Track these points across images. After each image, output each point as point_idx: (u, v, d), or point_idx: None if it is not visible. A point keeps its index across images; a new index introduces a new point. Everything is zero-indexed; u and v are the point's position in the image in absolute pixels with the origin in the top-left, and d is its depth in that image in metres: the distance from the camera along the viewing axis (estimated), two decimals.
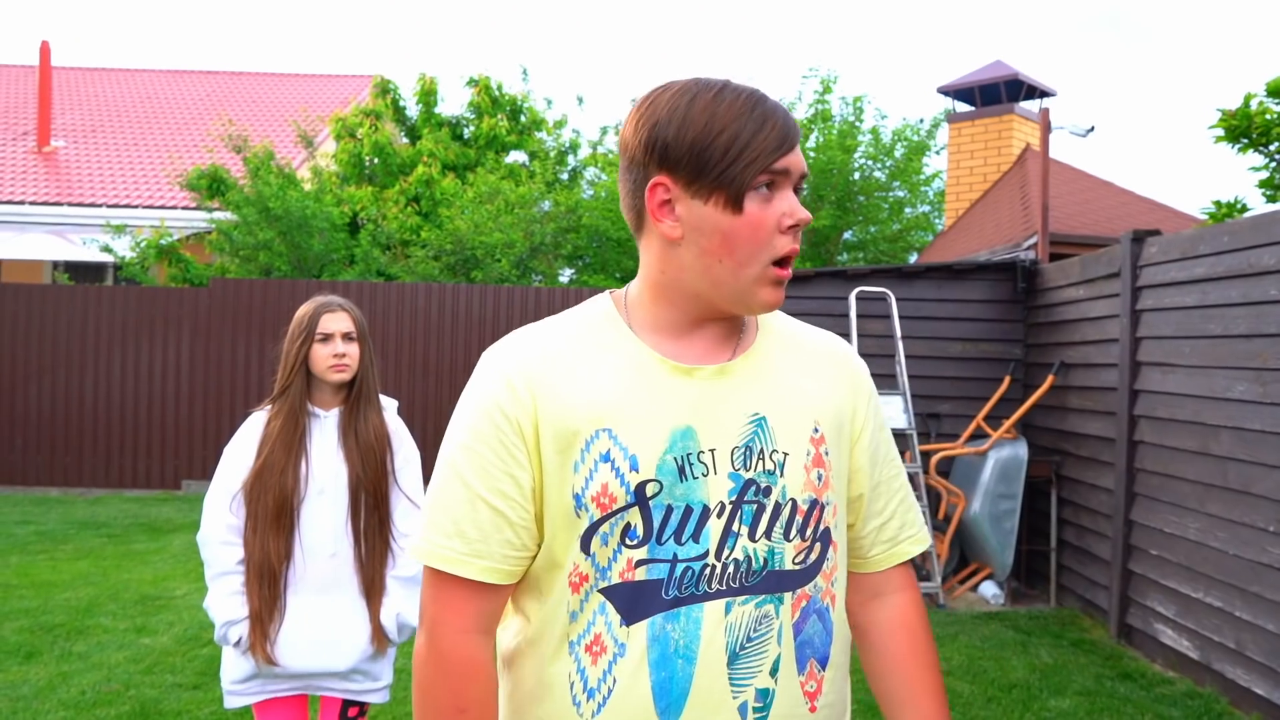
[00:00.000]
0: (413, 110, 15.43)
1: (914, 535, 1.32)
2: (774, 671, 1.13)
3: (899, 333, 6.28)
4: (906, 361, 6.31)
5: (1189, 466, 4.56)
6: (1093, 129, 7.02)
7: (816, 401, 1.22)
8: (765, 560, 1.13)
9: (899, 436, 6.16)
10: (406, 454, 2.53)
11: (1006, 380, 6.41)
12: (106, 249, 11.66)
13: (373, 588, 2.41)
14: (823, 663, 1.18)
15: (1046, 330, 6.26)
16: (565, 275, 12.95)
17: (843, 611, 1.23)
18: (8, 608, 5.44)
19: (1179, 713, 4.12)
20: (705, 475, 1.12)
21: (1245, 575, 4.09)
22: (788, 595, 1.14)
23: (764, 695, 1.13)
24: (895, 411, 6.16)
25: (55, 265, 14.30)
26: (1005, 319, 6.57)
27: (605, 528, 1.12)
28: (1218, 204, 5.44)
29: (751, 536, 1.13)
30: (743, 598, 1.12)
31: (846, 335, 6.37)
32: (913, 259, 13.25)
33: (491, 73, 15.71)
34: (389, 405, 2.56)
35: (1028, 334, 6.50)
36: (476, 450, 1.16)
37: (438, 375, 9.67)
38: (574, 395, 1.14)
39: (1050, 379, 5.96)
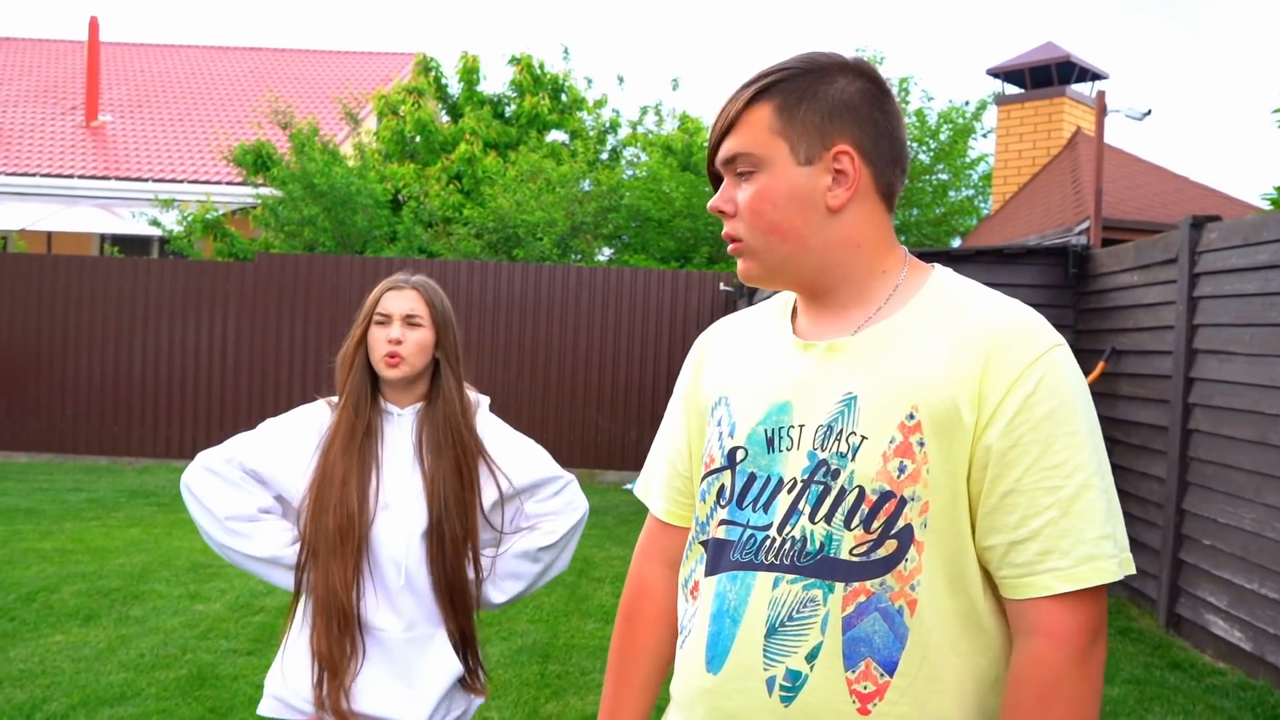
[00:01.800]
0: (454, 88, 15.46)
1: (1061, 569, 1.04)
2: (811, 657, 1.10)
3: None
4: None
5: (1246, 456, 4.49)
6: (1149, 112, 6.90)
7: (922, 383, 1.09)
8: (822, 544, 1.10)
9: None
10: (504, 460, 2.07)
11: None
12: (154, 222, 11.82)
13: (458, 620, 2.01)
14: (887, 668, 1.08)
15: (1098, 316, 6.18)
16: (604, 254, 12.95)
17: (934, 620, 1.08)
18: (65, 571, 5.57)
19: (1231, 704, 4.08)
20: (789, 450, 1.14)
21: None
22: (839, 585, 1.09)
23: (794, 677, 1.10)
24: None
25: (103, 238, 14.52)
26: (1055, 304, 6.49)
27: (705, 485, 1.24)
28: (1279, 189, 5.33)
29: (812, 518, 1.11)
30: (791, 576, 1.11)
31: None
32: (956, 243, 13.11)
33: (533, 51, 15.63)
34: (481, 402, 2.14)
35: (1078, 320, 6.42)
36: (668, 410, 1.40)
37: (479, 352, 9.73)
38: (719, 368, 1.29)
39: (1101, 365, 5.89)
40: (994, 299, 1.15)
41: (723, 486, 1.20)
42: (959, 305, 1.14)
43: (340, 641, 1.91)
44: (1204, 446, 4.86)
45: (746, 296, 8.55)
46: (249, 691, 3.85)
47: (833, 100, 1.14)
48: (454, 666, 1.99)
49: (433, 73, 15.28)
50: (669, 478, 1.37)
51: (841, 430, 1.11)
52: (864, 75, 1.17)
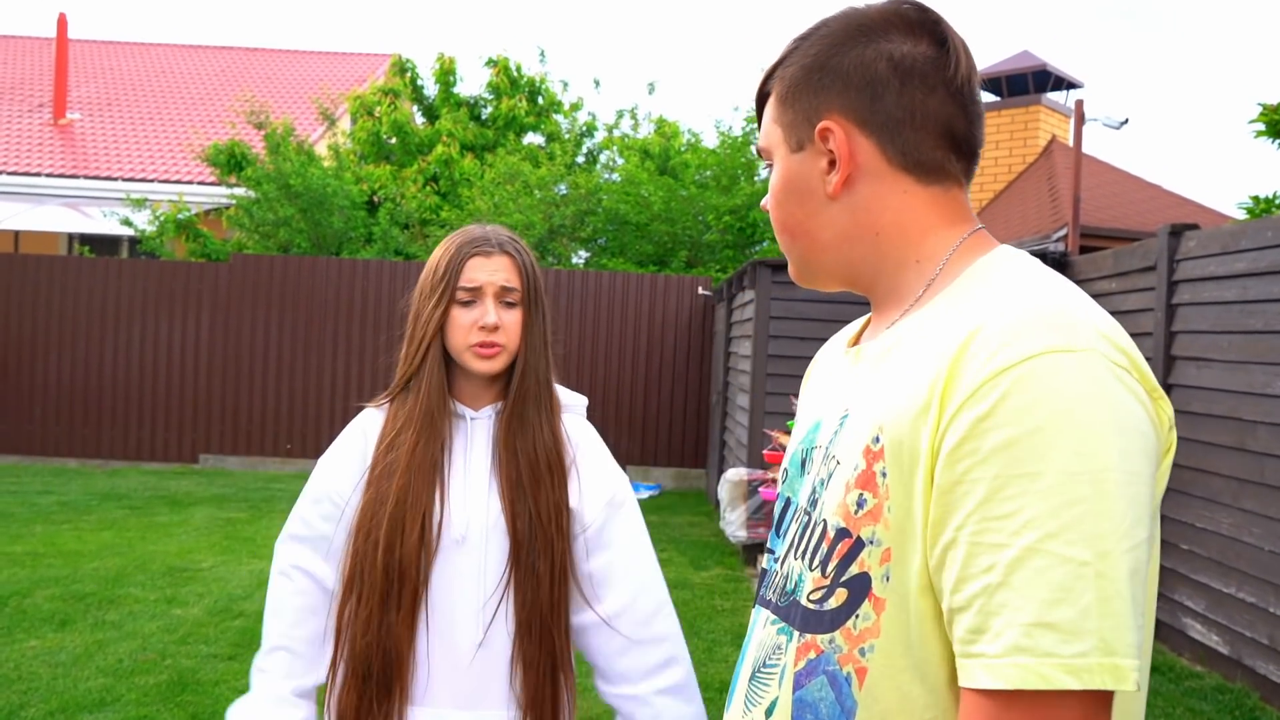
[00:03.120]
0: (431, 89, 15.39)
1: (987, 657, 0.75)
2: (770, 713, 0.94)
3: None
4: None
5: (1224, 461, 4.55)
6: (1127, 121, 6.99)
7: (890, 400, 0.88)
8: (796, 583, 0.94)
9: None
10: (600, 482, 1.60)
11: None
12: (126, 222, 11.67)
13: (540, 703, 1.53)
14: None
15: None
16: (581, 258, 12.93)
17: (893, 702, 0.84)
18: (38, 575, 5.47)
19: (1210, 707, 4.13)
20: (809, 473, 1.00)
21: None
22: (796, 634, 0.92)
23: None
24: None
25: (72, 238, 14.31)
26: None
27: (773, 508, 1.14)
28: (1255, 199, 5.42)
29: (796, 552, 0.96)
30: (773, 617, 0.98)
31: None
32: None
33: (510, 53, 15.61)
34: (574, 404, 1.68)
35: None
36: None
37: None
38: (809, 385, 1.17)
39: None
40: (1016, 288, 0.87)
41: (774, 512, 1.10)
42: (968, 297, 0.89)
43: (371, 712, 1.48)
44: (1182, 452, 4.92)
45: (726, 301, 8.56)
46: (230, 697, 3.79)
47: (829, 71, 0.95)
48: None
49: (409, 74, 15.19)
50: None
51: (829, 452, 0.95)
52: (892, 31, 0.94)
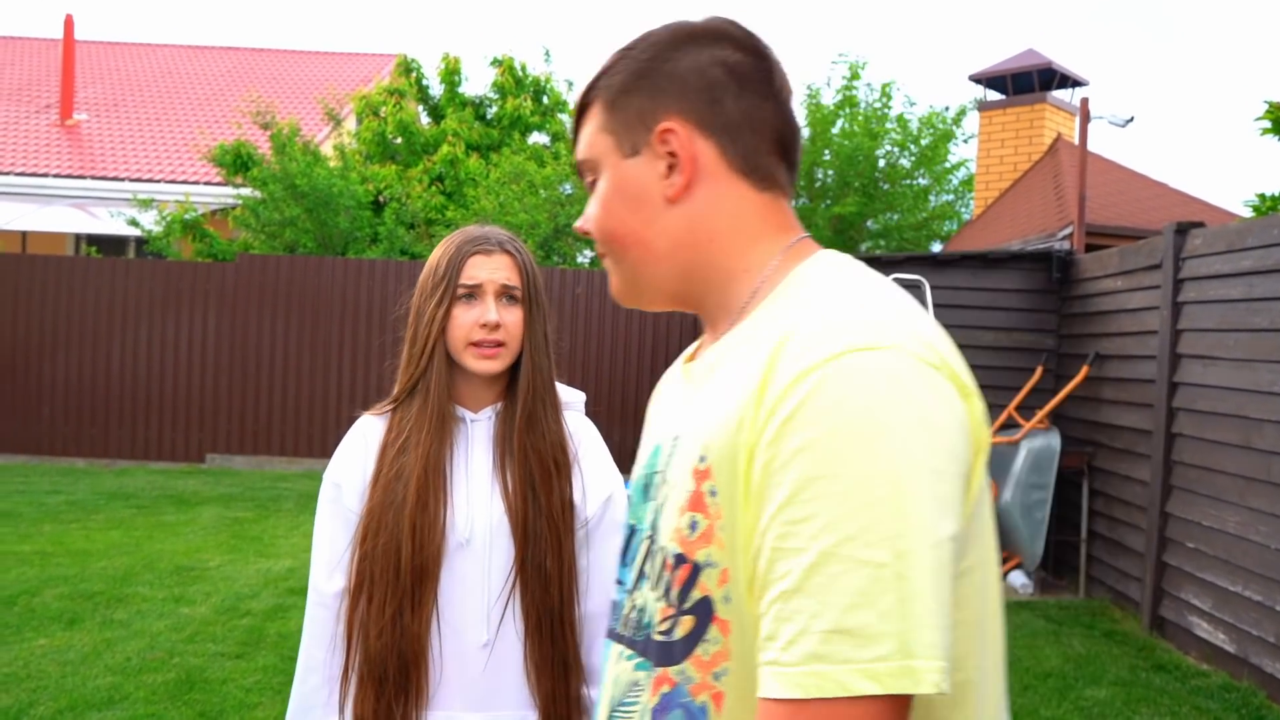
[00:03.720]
0: (436, 89, 15.41)
1: (780, 664, 0.72)
2: None
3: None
4: None
5: (1230, 460, 4.55)
6: (1132, 119, 6.99)
7: (711, 417, 0.85)
8: (648, 615, 0.89)
9: None
10: (600, 479, 1.61)
11: (1039, 370, 6.39)
12: (133, 222, 11.70)
13: (555, 701, 1.52)
14: None
15: (1081, 321, 6.24)
16: (585, 256, 12.95)
17: (746, 714, 0.79)
18: (46, 574, 5.50)
19: (1216, 705, 4.13)
20: (653, 499, 0.94)
21: None
22: (652, 668, 0.87)
23: None
24: None
25: (79, 238, 14.35)
26: (1039, 309, 6.55)
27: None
28: (1261, 197, 5.41)
29: (644, 581, 0.91)
30: (627, 651, 0.91)
31: None
32: (935, 248, 13.20)
33: (514, 53, 15.62)
34: (574, 401, 1.67)
35: (1061, 324, 6.48)
36: None
37: None
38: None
39: (1085, 370, 5.95)
40: (829, 292, 0.85)
41: (620, 542, 1.03)
42: (786, 305, 0.87)
43: (393, 714, 1.47)
44: (1188, 450, 4.92)
45: None
46: (239, 695, 3.82)
47: (663, 75, 0.92)
48: None
49: (414, 74, 15.22)
50: None
51: (665, 476, 0.91)
52: (722, 40, 0.94)
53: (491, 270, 1.52)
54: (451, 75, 15.11)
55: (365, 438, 1.57)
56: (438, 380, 1.52)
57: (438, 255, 1.56)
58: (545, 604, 1.50)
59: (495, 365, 1.52)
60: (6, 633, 4.48)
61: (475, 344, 1.50)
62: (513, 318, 1.52)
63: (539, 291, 1.56)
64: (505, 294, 1.52)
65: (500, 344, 1.51)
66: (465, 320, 1.51)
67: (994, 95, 11.03)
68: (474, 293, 1.51)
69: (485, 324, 1.50)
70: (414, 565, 1.46)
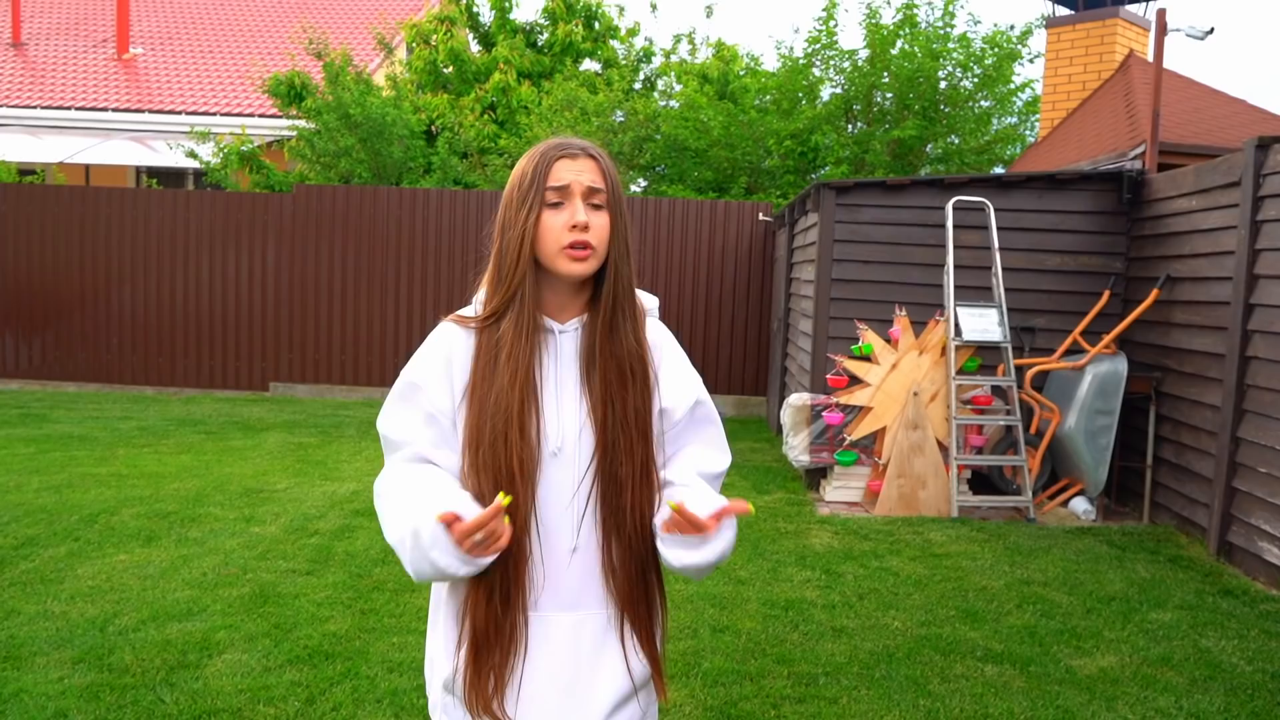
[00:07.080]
0: (486, 16, 15.23)
1: None
2: None
3: (996, 244, 6.13)
4: (1003, 274, 6.17)
5: None
6: (1212, 30, 6.66)
7: None
8: None
9: (994, 349, 6.06)
10: (677, 382, 1.64)
11: (1106, 294, 6.23)
12: (191, 154, 11.82)
13: (634, 602, 1.58)
14: None
15: (1151, 243, 6.05)
16: (638, 185, 12.83)
17: None
18: (123, 495, 5.68)
19: None
20: None
21: None
22: None
23: None
24: (990, 324, 6.06)
25: (139, 170, 14.56)
26: (1107, 231, 6.36)
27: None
28: None
29: None
30: None
31: (941, 246, 6.24)
32: (998, 171, 12.83)
33: None
34: (652, 307, 1.69)
35: (1130, 247, 6.29)
36: None
37: None
38: None
39: (1155, 293, 5.79)
40: None
41: None
42: None
43: (498, 624, 1.51)
44: (1263, 373, 4.78)
45: (788, 227, 8.45)
46: (310, 609, 3.93)
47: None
48: (630, 674, 1.57)
49: (464, 1, 15.04)
50: None
51: None
52: None
53: (577, 172, 1.52)
54: (502, 1, 14.91)
55: (451, 346, 1.57)
56: (531, 292, 1.53)
57: (523, 166, 1.56)
58: (619, 509, 1.54)
59: (586, 267, 1.52)
60: (89, 548, 4.66)
61: (567, 246, 1.51)
62: (600, 221, 1.53)
63: (620, 199, 1.56)
64: (591, 198, 1.53)
65: (590, 245, 1.52)
66: (555, 224, 1.51)
67: (1063, 11, 10.59)
68: (562, 196, 1.52)
69: (576, 224, 1.50)
70: (514, 475, 1.49)
